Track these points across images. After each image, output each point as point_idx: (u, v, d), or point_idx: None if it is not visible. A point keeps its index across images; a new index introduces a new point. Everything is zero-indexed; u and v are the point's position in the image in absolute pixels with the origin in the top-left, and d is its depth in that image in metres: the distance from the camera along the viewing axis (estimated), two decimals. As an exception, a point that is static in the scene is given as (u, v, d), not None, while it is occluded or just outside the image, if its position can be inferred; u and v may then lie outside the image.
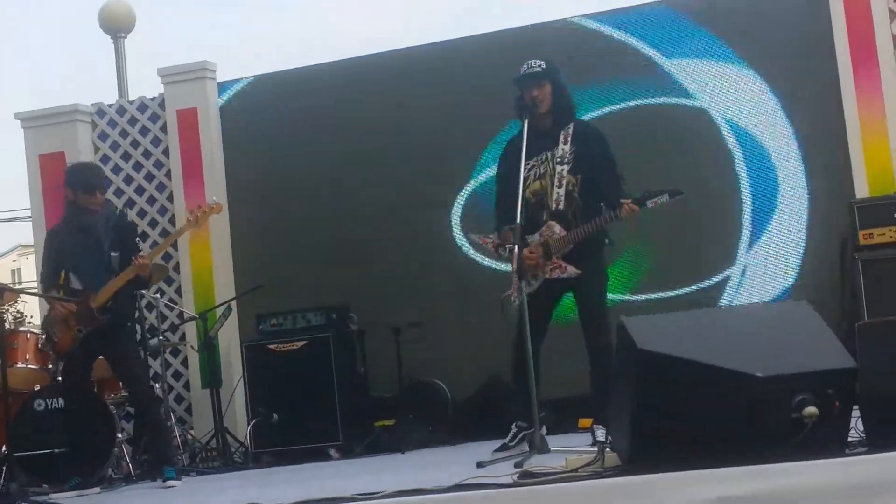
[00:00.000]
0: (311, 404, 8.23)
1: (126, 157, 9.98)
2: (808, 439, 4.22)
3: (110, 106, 10.15)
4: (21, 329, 8.46)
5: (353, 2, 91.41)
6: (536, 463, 5.21)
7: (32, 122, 10.10)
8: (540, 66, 6.63)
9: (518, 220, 6.02)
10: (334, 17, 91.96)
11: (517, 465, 5.17)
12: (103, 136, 10.04)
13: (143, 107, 10.03)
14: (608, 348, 6.32)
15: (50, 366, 7.97)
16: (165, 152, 9.84)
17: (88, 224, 7.20)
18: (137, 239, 7.82)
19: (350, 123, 9.39)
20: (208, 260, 9.53)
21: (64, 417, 7.40)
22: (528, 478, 4.75)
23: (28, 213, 10.84)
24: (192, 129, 9.71)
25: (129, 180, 9.94)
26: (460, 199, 9.08)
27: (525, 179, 6.36)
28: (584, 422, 6.84)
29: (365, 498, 4.67)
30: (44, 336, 7.81)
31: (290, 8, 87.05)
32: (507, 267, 6.61)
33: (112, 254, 7.20)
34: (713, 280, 8.49)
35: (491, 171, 7.92)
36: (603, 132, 6.82)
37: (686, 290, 8.49)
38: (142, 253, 7.28)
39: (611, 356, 6.22)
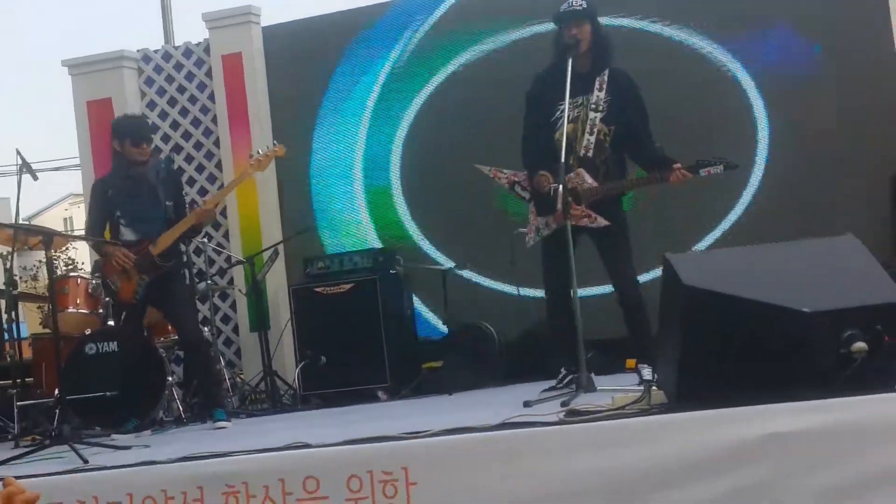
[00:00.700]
0: (358, 347, 8.25)
1: (172, 102, 10.02)
2: (856, 375, 4.18)
3: (156, 52, 10.18)
4: (71, 274, 8.55)
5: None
6: (583, 402, 5.20)
7: (79, 68, 10.15)
8: (581, 4, 6.53)
9: (562, 160, 5.98)
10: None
11: (563, 405, 5.16)
12: (149, 82, 10.08)
13: (188, 52, 10.05)
14: (636, 297, 6.36)
15: (100, 310, 8.03)
16: (211, 97, 9.87)
17: (138, 175, 7.21)
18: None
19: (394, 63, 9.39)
20: (255, 204, 9.57)
21: (119, 363, 7.46)
22: (574, 416, 4.75)
23: (77, 161, 10.89)
24: (237, 74, 9.73)
25: (175, 126, 9.99)
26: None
27: (556, 121, 6.30)
28: (631, 362, 6.82)
29: (411, 437, 4.70)
30: (94, 282, 7.88)
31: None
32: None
33: (167, 203, 7.23)
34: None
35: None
36: (637, 82, 6.66)
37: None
38: (205, 199, 7.26)
39: (640, 304, 6.30)
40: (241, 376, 9.05)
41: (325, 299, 8.45)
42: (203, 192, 9.75)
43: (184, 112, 9.98)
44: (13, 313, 7.62)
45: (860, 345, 4.17)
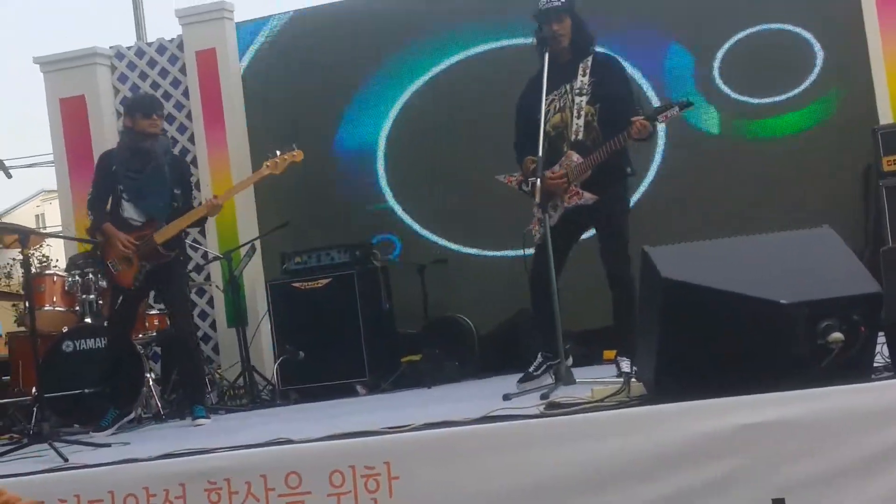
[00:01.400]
0: (337, 341, 8.25)
1: (146, 99, 9.98)
2: (833, 365, 4.23)
3: (129, 48, 10.13)
4: (47, 272, 8.50)
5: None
6: (562, 394, 5.23)
7: (52, 66, 10.09)
8: (559, 0, 6.56)
9: (540, 153, 6.00)
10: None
11: (543, 397, 5.19)
12: (123, 79, 10.03)
13: (161, 48, 10.01)
14: (627, 280, 6.29)
15: (77, 307, 8.01)
16: (185, 94, 9.84)
17: (145, 150, 7.15)
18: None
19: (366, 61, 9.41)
20: (231, 200, 9.53)
21: (104, 352, 7.43)
22: (554, 408, 4.78)
23: (50, 158, 10.84)
24: (211, 70, 9.69)
25: (150, 122, 9.94)
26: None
27: (546, 113, 6.32)
28: (610, 353, 6.85)
29: (393, 431, 4.72)
30: (70, 279, 7.84)
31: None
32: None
33: (175, 191, 7.22)
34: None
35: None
36: (622, 62, 6.75)
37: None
38: (215, 194, 7.26)
39: (631, 288, 6.20)
40: (220, 372, 9.04)
41: (303, 294, 8.44)
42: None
43: (158, 108, 9.94)
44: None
45: (837, 335, 4.21)
